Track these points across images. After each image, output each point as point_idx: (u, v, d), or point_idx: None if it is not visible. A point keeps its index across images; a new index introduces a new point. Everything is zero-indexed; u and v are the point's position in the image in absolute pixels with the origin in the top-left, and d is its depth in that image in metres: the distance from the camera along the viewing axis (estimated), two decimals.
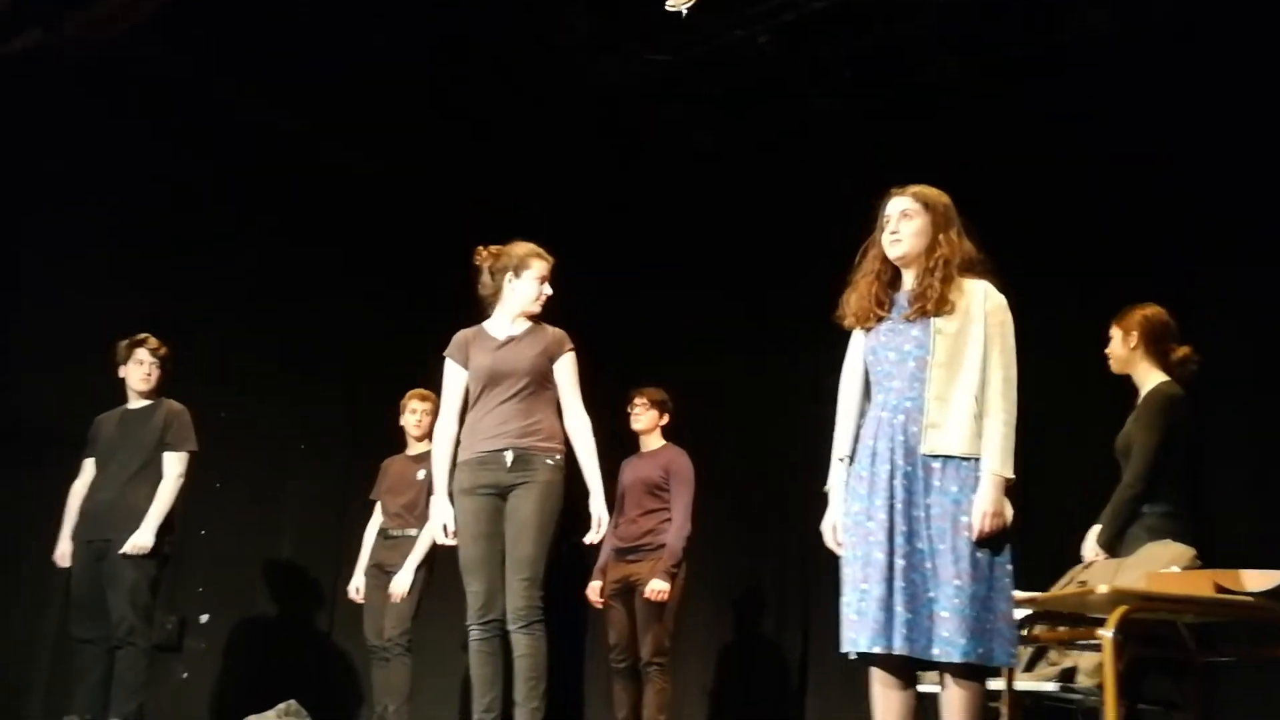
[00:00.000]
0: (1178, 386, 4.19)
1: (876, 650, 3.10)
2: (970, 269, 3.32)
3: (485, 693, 4.21)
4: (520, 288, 4.43)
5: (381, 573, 5.66)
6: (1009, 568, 3.15)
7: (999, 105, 5.60)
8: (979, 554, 3.10)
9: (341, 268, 6.97)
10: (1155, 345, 4.22)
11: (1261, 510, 4.62)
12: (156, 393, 5.32)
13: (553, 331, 4.48)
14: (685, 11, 5.55)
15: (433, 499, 4.39)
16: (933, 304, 3.24)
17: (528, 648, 4.15)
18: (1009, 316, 3.28)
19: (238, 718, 5.29)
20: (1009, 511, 3.16)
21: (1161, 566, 3.68)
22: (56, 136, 5.90)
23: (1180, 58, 5.25)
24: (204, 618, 6.54)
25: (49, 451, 5.63)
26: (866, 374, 3.37)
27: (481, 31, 6.04)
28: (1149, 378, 4.24)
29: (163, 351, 5.33)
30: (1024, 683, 3.65)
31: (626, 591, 5.59)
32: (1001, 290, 3.34)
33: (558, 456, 4.31)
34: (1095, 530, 4.16)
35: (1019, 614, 3.50)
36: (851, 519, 3.25)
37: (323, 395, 6.91)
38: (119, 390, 5.39)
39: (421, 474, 5.57)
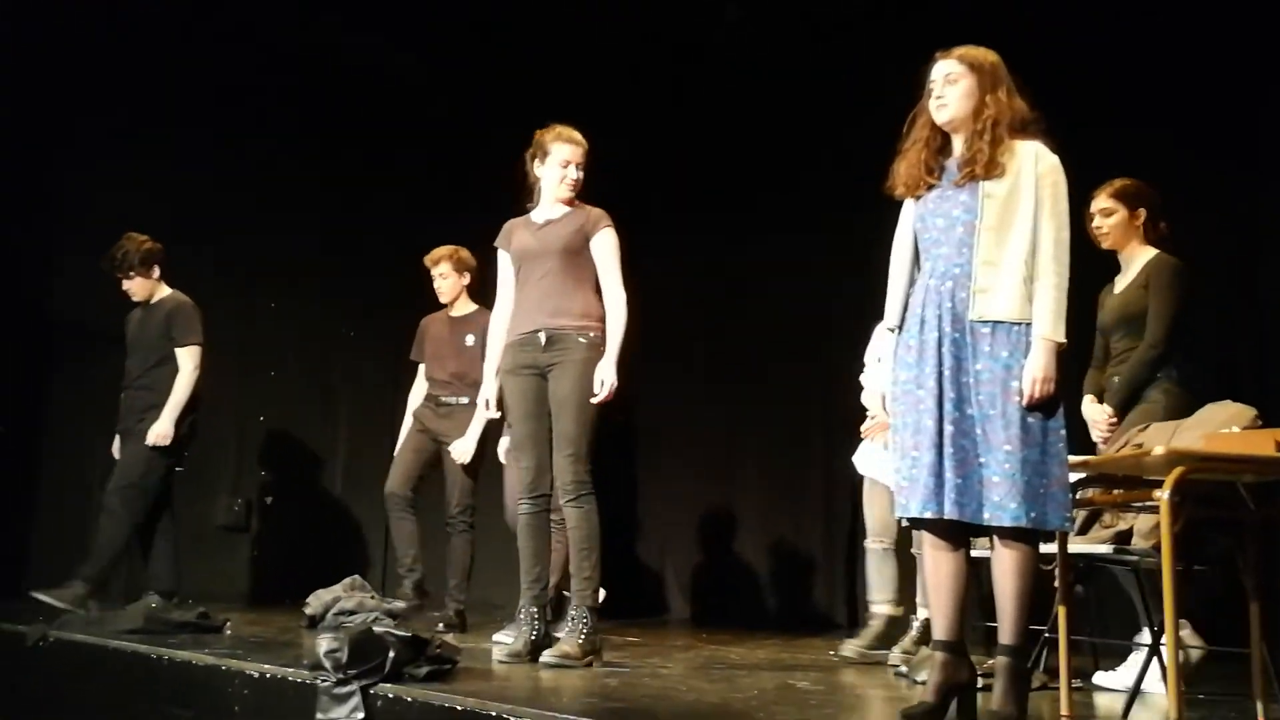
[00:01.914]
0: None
1: (928, 515, 3.11)
2: (1023, 129, 3.23)
3: (532, 566, 4.34)
4: (547, 173, 4.45)
5: (432, 440, 5.69)
6: (1062, 432, 3.11)
7: None
8: (1030, 419, 3.07)
9: (379, 158, 6.95)
10: (1154, 220, 4.32)
11: None
12: (152, 290, 5.60)
13: (591, 211, 4.45)
14: None
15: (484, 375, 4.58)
16: (982, 167, 3.17)
17: (578, 520, 4.26)
18: (1062, 177, 3.19)
19: (305, 592, 5.42)
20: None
21: (1220, 426, 3.62)
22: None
23: None
24: (269, 500, 6.69)
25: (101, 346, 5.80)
26: (916, 243, 3.31)
27: None
28: (1143, 251, 4.33)
29: (145, 248, 5.61)
30: (1078, 546, 3.62)
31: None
32: (1056, 150, 3.24)
33: (592, 334, 4.31)
34: (1089, 398, 4.31)
35: (1073, 477, 3.46)
36: (900, 387, 3.23)
37: (369, 275, 6.94)
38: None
39: (470, 339, 5.58)
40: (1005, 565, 3.09)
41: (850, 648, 4.78)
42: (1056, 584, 3.43)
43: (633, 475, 7.66)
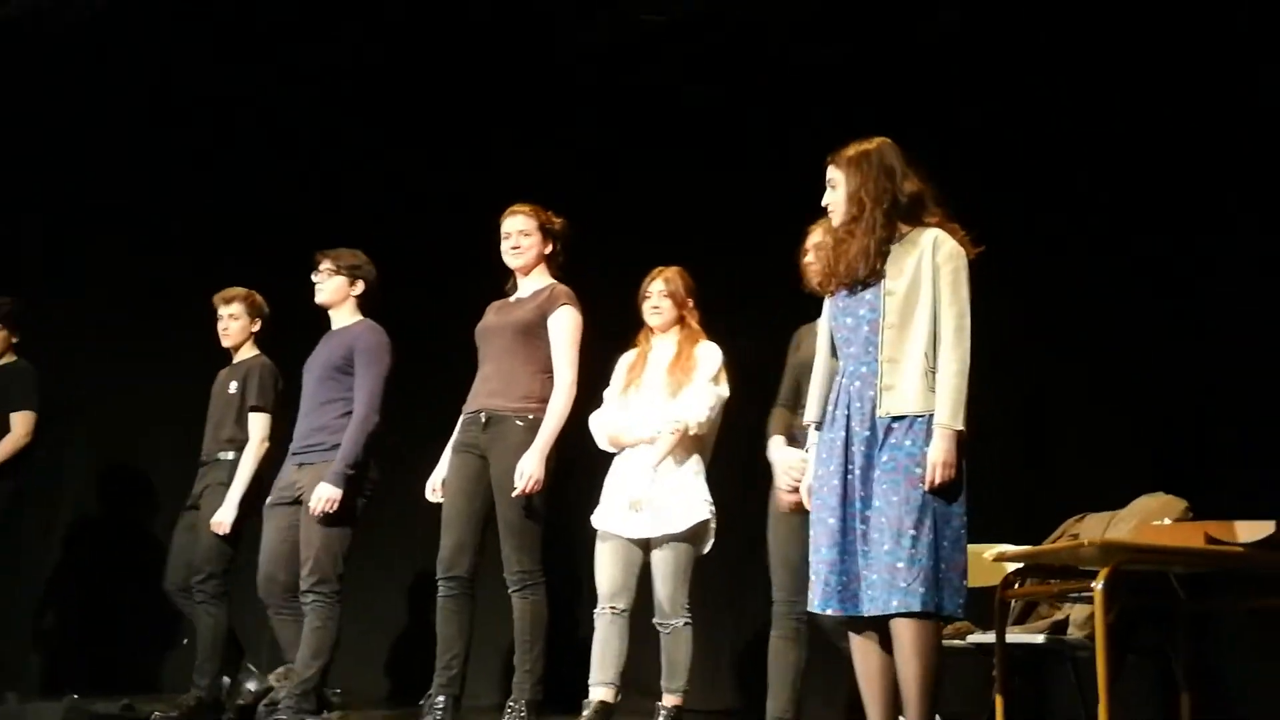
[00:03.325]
0: None
1: (828, 612, 3.16)
2: (915, 213, 3.26)
3: (444, 651, 4.19)
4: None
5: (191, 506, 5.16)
6: (963, 518, 3.14)
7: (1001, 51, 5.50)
8: (934, 505, 3.09)
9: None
10: None
11: (1252, 461, 4.63)
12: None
13: (556, 288, 4.36)
14: None
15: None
16: (873, 266, 3.21)
17: (521, 610, 4.18)
18: (961, 262, 3.20)
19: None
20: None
21: (1152, 517, 3.69)
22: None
23: None
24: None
25: None
26: (832, 340, 3.37)
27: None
28: None
29: None
30: (1015, 635, 3.66)
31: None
32: (959, 223, 3.27)
33: (531, 417, 4.19)
34: (779, 439, 3.96)
35: (1009, 567, 3.52)
36: (816, 483, 3.27)
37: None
38: None
39: (234, 386, 5.12)
40: (907, 648, 3.07)
41: None
42: (994, 674, 3.46)
43: None
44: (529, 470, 4.11)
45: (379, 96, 6.48)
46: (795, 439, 3.88)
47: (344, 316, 4.77)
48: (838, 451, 3.20)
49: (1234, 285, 4.71)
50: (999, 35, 5.29)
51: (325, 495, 4.43)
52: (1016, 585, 3.55)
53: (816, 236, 3.85)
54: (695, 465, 4.25)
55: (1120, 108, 5.03)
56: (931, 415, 3.13)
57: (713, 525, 4.26)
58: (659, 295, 4.36)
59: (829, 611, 3.15)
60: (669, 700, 4.20)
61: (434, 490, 4.41)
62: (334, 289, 4.77)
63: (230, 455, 5.04)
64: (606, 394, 4.41)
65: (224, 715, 4.75)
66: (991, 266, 3.33)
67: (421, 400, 5.13)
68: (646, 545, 4.24)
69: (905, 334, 3.17)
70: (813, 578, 3.19)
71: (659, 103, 6.16)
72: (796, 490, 3.67)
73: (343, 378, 4.62)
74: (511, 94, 6.41)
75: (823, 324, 3.40)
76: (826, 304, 3.38)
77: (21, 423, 5.48)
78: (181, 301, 5.82)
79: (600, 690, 4.15)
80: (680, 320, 4.38)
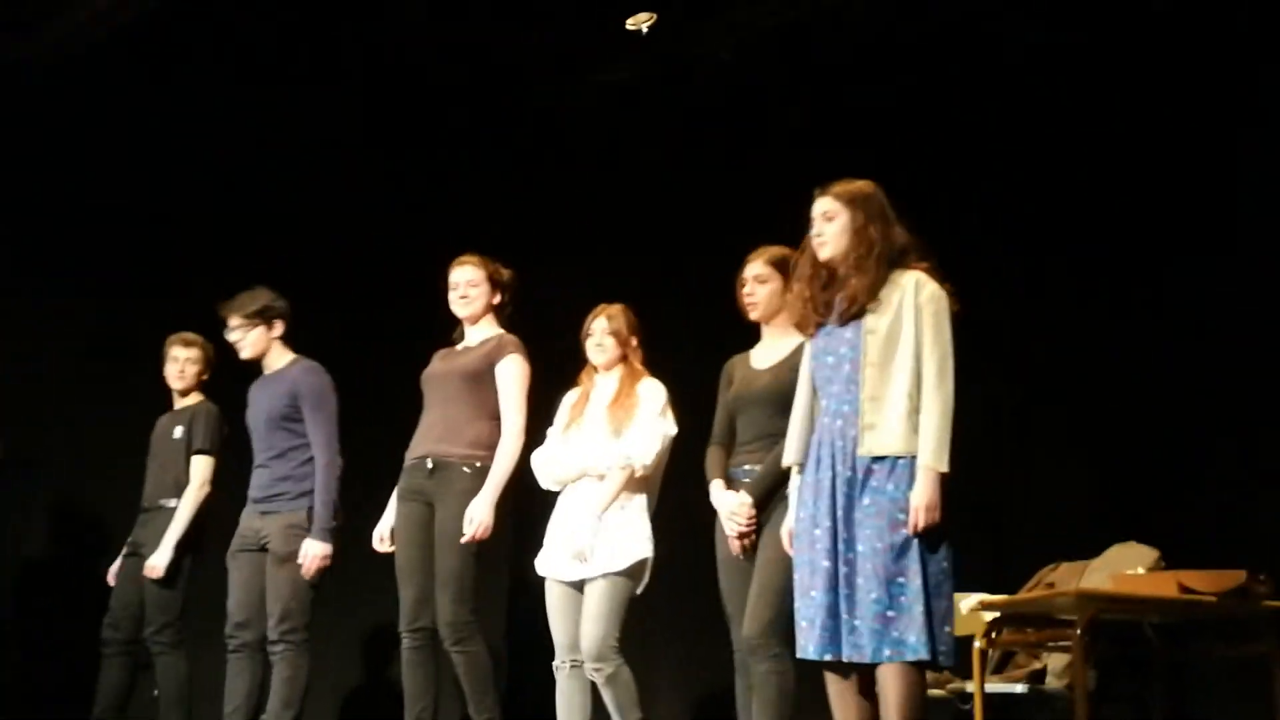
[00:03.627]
0: None
1: (827, 659, 3.11)
2: (902, 259, 3.26)
3: (414, 704, 4.17)
4: None
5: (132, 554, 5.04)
6: (946, 564, 3.10)
7: (956, 121, 5.63)
8: (917, 549, 3.06)
9: None
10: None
11: (1222, 510, 4.69)
12: None
13: (504, 338, 4.36)
14: (645, 31, 5.59)
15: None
16: (862, 303, 3.20)
17: (464, 665, 4.07)
18: (943, 305, 3.21)
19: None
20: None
21: (1127, 568, 3.74)
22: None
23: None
24: None
25: None
26: (813, 380, 3.35)
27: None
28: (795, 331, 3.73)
29: None
30: (994, 685, 3.69)
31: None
32: (940, 273, 3.26)
33: (478, 464, 4.15)
34: (720, 483, 3.83)
35: (987, 616, 3.55)
36: (800, 525, 3.24)
37: None
38: None
39: (179, 431, 5.03)
40: (892, 697, 3.05)
41: None
42: None
43: None
44: (479, 516, 4.07)
45: (328, 136, 6.50)
46: (732, 479, 3.80)
47: (275, 360, 4.73)
48: (825, 492, 3.17)
49: (1205, 336, 4.78)
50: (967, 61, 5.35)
51: (316, 553, 4.43)
52: (994, 634, 3.58)
53: (756, 268, 3.84)
54: (640, 504, 4.14)
55: (1101, 148, 5.11)
56: (913, 457, 3.10)
57: (649, 563, 4.10)
58: (602, 333, 4.28)
59: (827, 658, 3.09)
60: None
61: (382, 539, 4.36)
62: (255, 341, 4.72)
63: (174, 503, 4.93)
64: (550, 432, 4.37)
65: None
66: (960, 315, 3.36)
67: (365, 444, 5.08)
68: (582, 584, 4.10)
69: (887, 373, 3.16)
70: (804, 623, 3.13)
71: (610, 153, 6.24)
72: (743, 537, 3.67)
73: (293, 425, 4.60)
74: (461, 138, 6.47)
75: (805, 364, 3.39)
76: (808, 344, 3.38)
77: None
78: (129, 342, 5.76)
79: None
80: (624, 358, 4.29)
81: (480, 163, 6.50)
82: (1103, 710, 3.55)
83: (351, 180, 6.50)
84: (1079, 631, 3.09)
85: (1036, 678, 3.73)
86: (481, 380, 4.28)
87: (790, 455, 3.36)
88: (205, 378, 5.12)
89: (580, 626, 4.01)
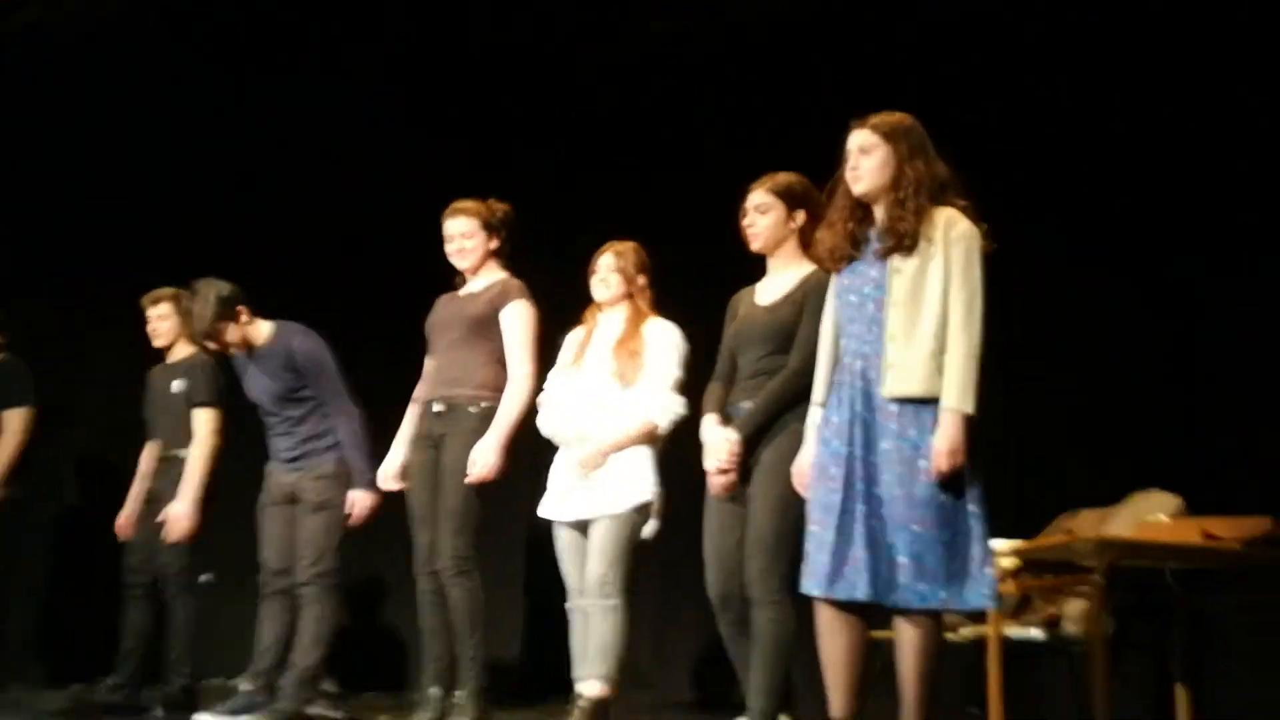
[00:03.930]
0: None
1: (817, 594, 3.04)
2: (942, 194, 3.14)
3: (432, 644, 4.17)
4: None
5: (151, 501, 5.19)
6: (974, 508, 3.01)
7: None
8: (941, 497, 2.98)
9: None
10: (814, 227, 3.54)
11: (1248, 457, 4.64)
12: None
13: (508, 283, 4.32)
14: None
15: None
16: (903, 239, 3.08)
17: (458, 598, 4.09)
18: (974, 244, 3.09)
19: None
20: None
21: (1149, 515, 3.69)
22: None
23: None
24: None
25: None
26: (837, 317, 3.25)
27: None
28: (798, 262, 3.70)
29: None
30: (1010, 630, 3.66)
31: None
32: (979, 210, 3.14)
33: (484, 404, 4.15)
34: (713, 417, 3.70)
35: (1005, 562, 3.51)
36: (816, 464, 3.16)
37: None
38: None
39: (177, 385, 5.15)
40: (907, 645, 3.02)
41: None
42: (990, 669, 3.47)
43: None
44: (485, 458, 4.08)
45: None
46: (730, 416, 3.70)
47: (256, 337, 4.67)
48: (843, 431, 3.08)
49: (1230, 282, 4.71)
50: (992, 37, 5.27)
51: (367, 504, 4.48)
52: (1012, 578, 3.54)
53: (758, 196, 3.70)
54: (645, 451, 4.05)
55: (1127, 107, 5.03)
56: (938, 401, 3.00)
57: (656, 507, 4.04)
58: (606, 269, 4.18)
59: (829, 596, 3.01)
60: (592, 689, 3.85)
61: (387, 478, 4.40)
62: (238, 338, 4.66)
63: (185, 453, 5.03)
64: (551, 374, 4.22)
65: (216, 707, 4.78)
66: (992, 254, 3.28)
67: (372, 391, 5.09)
68: (586, 527, 4.06)
69: (912, 312, 3.05)
70: (808, 559, 3.06)
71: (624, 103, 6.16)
72: (723, 472, 3.58)
73: (301, 394, 4.61)
74: (461, 86, 6.40)
75: (830, 301, 3.29)
76: (833, 280, 3.27)
77: (19, 419, 5.46)
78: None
79: (595, 685, 3.95)
80: (628, 296, 4.17)
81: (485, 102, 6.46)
82: (1120, 657, 3.52)
83: (355, 120, 6.49)
84: (1098, 578, 3.04)
85: (1054, 624, 3.70)
86: (487, 326, 4.26)
87: (816, 394, 3.27)
88: (187, 328, 5.13)
89: (587, 563, 3.98)
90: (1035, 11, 5.16)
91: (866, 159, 3.17)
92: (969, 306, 3.05)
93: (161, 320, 5.22)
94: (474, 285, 4.39)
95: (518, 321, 4.26)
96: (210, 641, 5.27)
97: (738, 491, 3.59)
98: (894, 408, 3.04)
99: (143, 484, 5.27)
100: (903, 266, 3.09)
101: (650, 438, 4.03)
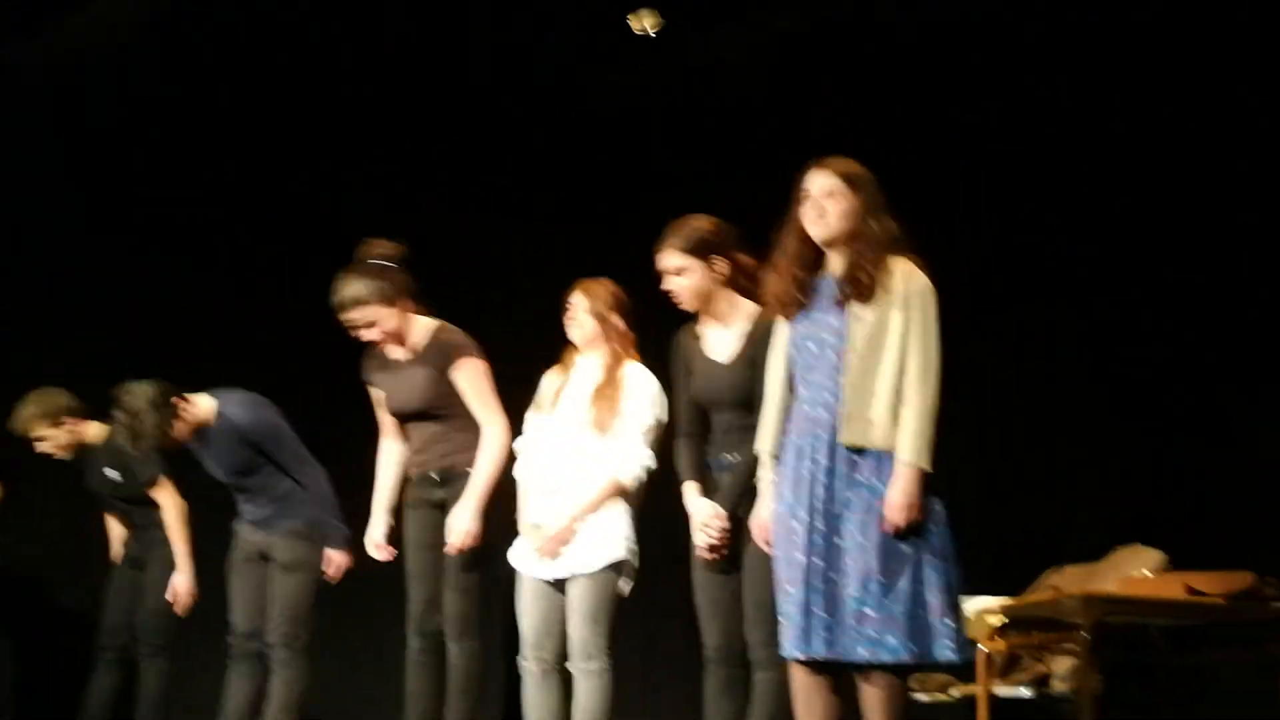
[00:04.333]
0: None
1: (799, 656, 2.99)
2: (896, 247, 3.09)
3: (414, 706, 4.05)
4: None
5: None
6: (939, 560, 2.96)
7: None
8: (903, 547, 2.94)
9: None
10: (736, 262, 3.52)
11: (1231, 512, 4.65)
12: None
13: (438, 342, 4.14)
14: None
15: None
16: (866, 289, 3.04)
17: (457, 660, 4.01)
18: (931, 299, 3.06)
19: None
20: (934, 504, 2.93)
21: (1133, 570, 3.70)
22: None
23: None
24: None
25: None
26: (790, 365, 3.18)
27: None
28: (739, 305, 3.58)
29: None
30: (999, 690, 3.65)
31: None
32: (925, 264, 3.10)
33: None
34: (695, 486, 3.58)
35: (991, 619, 3.51)
36: (778, 519, 3.11)
37: None
38: None
39: (111, 474, 5.09)
40: (869, 701, 2.96)
41: None
42: None
43: None
44: (461, 526, 3.97)
45: None
46: (710, 470, 3.57)
47: (196, 418, 4.56)
48: (804, 483, 3.04)
49: (1211, 335, 4.74)
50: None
51: (341, 561, 4.50)
52: (999, 637, 3.54)
53: (670, 259, 3.52)
54: (620, 508, 3.94)
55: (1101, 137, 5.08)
56: (886, 453, 2.96)
57: (633, 564, 3.93)
58: (578, 309, 4.05)
59: (799, 656, 2.97)
60: None
61: (378, 546, 4.33)
62: (186, 431, 4.53)
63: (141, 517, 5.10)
64: (529, 418, 4.10)
65: None
66: (961, 306, 3.30)
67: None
68: (563, 586, 4.08)
69: (874, 364, 3.02)
70: (782, 619, 3.02)
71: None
72: (713, 550, 3.49)
73: (260, 464, 4.53)
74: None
75: (778, 348, 3.23)
76: (782, 325, 3.20)
77: None
78: None
79: None
80: (605, 338, 4.01)
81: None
82: (1109, 715, 3.51)
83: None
84: (1085, 635, 3.04)
85: (1042, 682, 3.69)
86: (444, 396, 4.11)
87: (763, 444, 3.21)
88: (69, 425, 5.03)
89: (566, 627, 3.88)
90: (1035, 12, 5.11)
91: (830, 203, 3.11)
92: (925, 363, 3.02)
93: (49, 445, 5.03)
94: (398, 353, 4.29)
95: (472, 381, 4.10)
96: (178, 707, 5.21)
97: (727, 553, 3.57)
98: (855, 457, 3.01)
99: (120, 547, 5.23)
100: (863, 315, 3.05)
101: (619, 493, 3.94)
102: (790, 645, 3.01)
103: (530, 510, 4.10)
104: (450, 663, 4.04)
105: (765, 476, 3.23)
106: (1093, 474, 4.96)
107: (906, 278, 3.08)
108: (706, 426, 3.72)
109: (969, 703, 3.59)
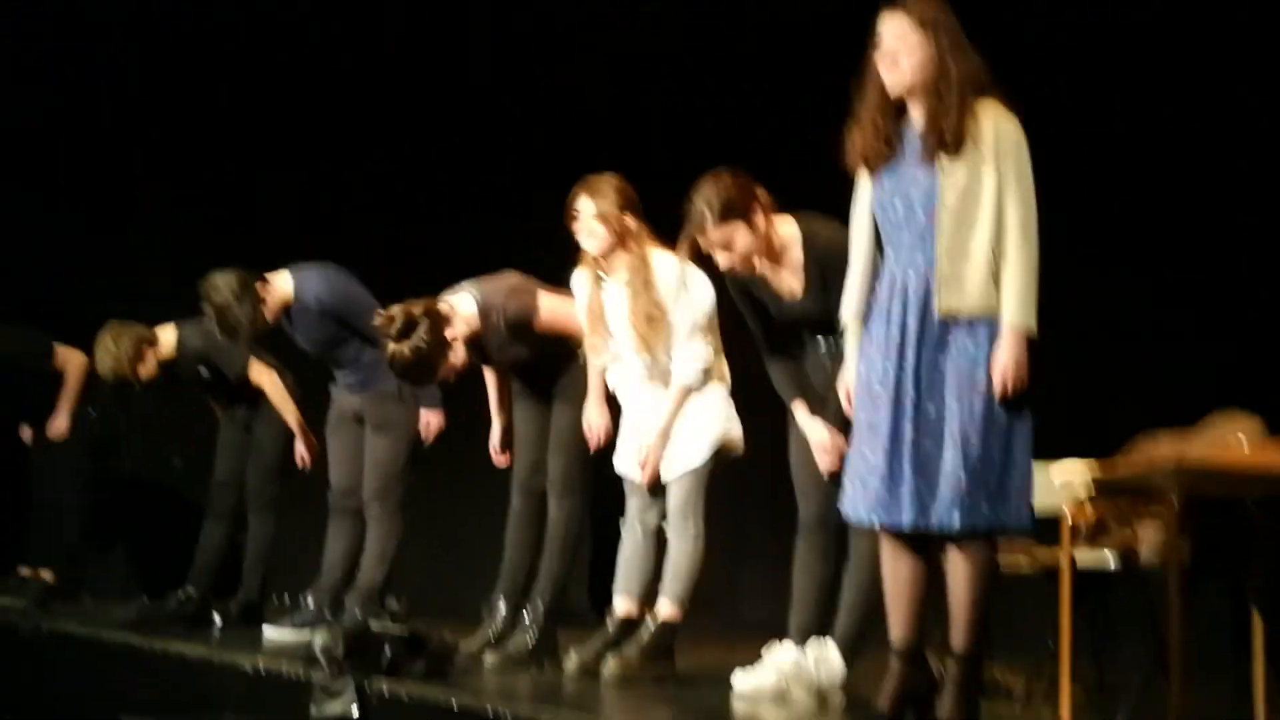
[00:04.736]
0: None
1: (875, 522, 2.96)
2: (982, 90, 2.93)
3: (512, 559, 4.34)
4: None
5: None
6: (1028, 430, 2.92)
7: None
8: (997, 415, 2.87)
9: None
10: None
11: None
12: None
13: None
14: None
15: None
16: (952, 138, 2.88)
17: (556, 517, 4.23)
18: (1024, 148, 2.91)
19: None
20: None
21: (1228, 436, 3.57)
22: None
23: None
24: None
25: None
26: (877, 225, 3.07)
27: None
28: (785, 236, 3.63)
29: None
30: (1083, 558, 3.58)
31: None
32: (1012, 107, 2.95)
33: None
34: (805, 404, 3.65)
35: (1081, 487, 3.42)
36: (860, 382, 3.04)
37: None
38: None
39: (204, 372, 5.35)
40: (960, 569, 2.93)
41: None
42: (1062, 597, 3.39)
43: None
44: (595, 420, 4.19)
45: None
46: (807, 392, 3.62)
47: (279, 304, 4.77)
48: (893, 349, 2.94)
49: None
50: None
51: (437, 423, 4.85)
52: (1087, 503, 3.45)
53: (720, 234, 3.51)
54: (711, 391, 4.00)
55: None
56: (996, 318, 2.88)
57: (735, 433, 4.02)
58: (588, 216, 3.91)
59: (873, 520, 2.95)
60: (662, 609, 3.92)
61: (496, 450, 4.52)
62: (271, 313, 4.81)
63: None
64: (592, 344, 4.11)
65: (281, 621, 4.86)
66: (1055, 164, 3.14)
67: None
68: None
69: (967, 223, 2.88)
70: (855, 483, 2.97)
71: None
72: (838, 464, 3.49)
73: (345, 332, 4.77)
74: None
75: (861, 206, 3.09)
76: (865, 182, 3.07)
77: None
78: None
79: (623, 602, 4.04)
80: (622, 243, 3.91)
81: None
82: (1197, 587, 3.43)
83: None
84: (1176, 505, 2.94)
85: (1128, 550, 3.61)
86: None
87: (849, 308, 3.12)
88: (149, 354, 5.19)
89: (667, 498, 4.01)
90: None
91: (906, 51, 2.93)
92: (1025, 219, 2.88)
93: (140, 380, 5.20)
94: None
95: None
96: (280, 560, 5.40)
97: None
98: (952, 323, 2.91)
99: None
100: (953, 170, 2.90)
101: (692, 391, 3.96)
102: (867, 511, 2.96)
103: (630, 424, 4.14)
104: (551, 518, 4.15)
105: (851, 342, 3.15)
106: (1190, 336, 4.82)
107: (997, 125, 2.90)
108: (791, 342, 3.67)
109: (1051, 572, 3.52)
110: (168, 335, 5.21)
